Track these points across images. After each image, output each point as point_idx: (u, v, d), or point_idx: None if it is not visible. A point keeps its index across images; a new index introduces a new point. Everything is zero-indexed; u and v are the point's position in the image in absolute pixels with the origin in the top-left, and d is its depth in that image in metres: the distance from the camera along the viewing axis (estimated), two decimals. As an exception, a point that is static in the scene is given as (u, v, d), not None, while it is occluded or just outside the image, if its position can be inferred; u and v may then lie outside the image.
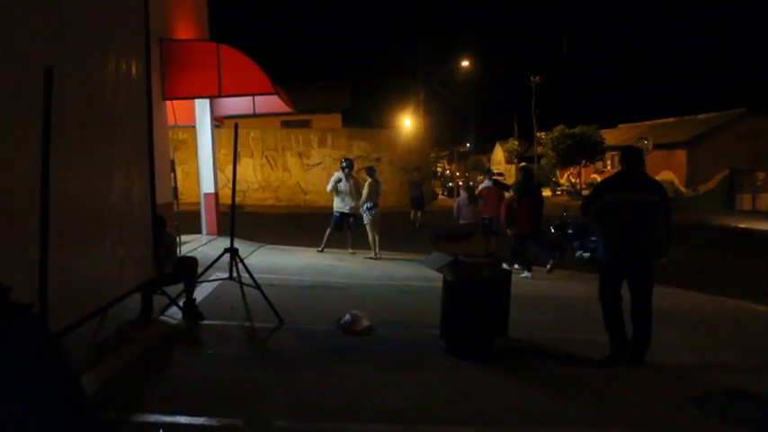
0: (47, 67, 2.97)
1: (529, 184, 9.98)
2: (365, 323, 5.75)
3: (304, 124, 28.01)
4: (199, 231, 11.37)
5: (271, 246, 11.72)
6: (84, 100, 3.95)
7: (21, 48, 3.17)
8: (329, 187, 11.31)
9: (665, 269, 5.42)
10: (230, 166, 6.46)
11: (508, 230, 9.86)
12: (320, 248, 11.26)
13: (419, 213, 18.74)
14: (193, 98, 10.74)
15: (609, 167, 37.73)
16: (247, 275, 6.21)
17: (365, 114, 37.89)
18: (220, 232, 11.22)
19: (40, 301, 2.98)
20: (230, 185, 6.53)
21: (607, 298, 5.39)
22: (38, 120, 2.96)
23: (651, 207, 5.15)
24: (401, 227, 15.51)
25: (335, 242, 11.43)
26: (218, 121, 12.44)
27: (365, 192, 10.99)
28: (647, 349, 5.21)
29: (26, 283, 3.00)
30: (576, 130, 37.42)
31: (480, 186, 12.26)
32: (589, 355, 5.43)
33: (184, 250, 8.96)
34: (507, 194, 10.70)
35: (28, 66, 3.14)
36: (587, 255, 10.95)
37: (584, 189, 35.51)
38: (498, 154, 62.31)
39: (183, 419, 3.58)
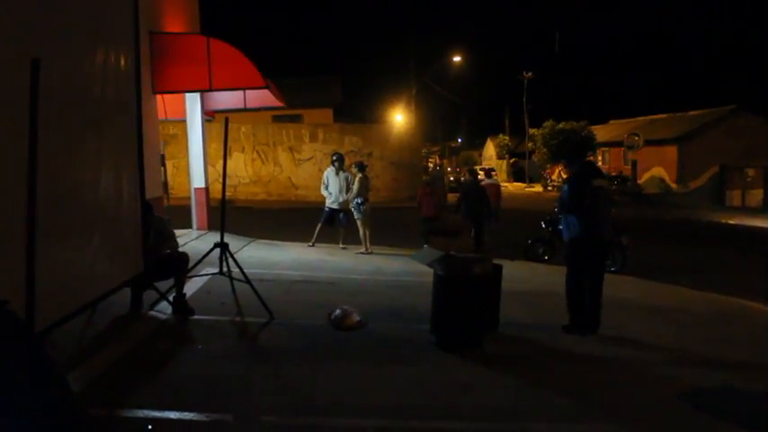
0: (33, 60, 2.93)
1: (474, 180, 12.72)
2: (356, 318, 5.74)
3: (295, 119, 27.87)
4: (189, 226, 11.31)
5: (261, 240, 11.68)
6: (72, 93, 3.90)
7: (6, 39, 3.12)
8: (323, 182, 11.33)
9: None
10: (221, 161, 6.43)
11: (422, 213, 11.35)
12: (311, 243, 11.25)
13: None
14: (184, 92, 10.67)
15: (600, 163, 37.83)
16: (238, 270, 6.19)
17: (357, 109, 37.87)
18: (211, 227, 11.16)
19: (27, 297, 2.95)
20: (221, 180, 6.49)
21: (579, 278, 5.94)
22: (24, 112, 2.92)
23: (610, 190, 6.33)
24: (392, 222, 15.49)
25: (326, 237, 11.42)
26: (208, 116, 12.36)
27: (355, 187, 10.98)
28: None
29: (12, 278, 2.97)
30: (562, 125, 37.49)
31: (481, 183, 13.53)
32: (580, 351, 5.46)
33: (174, 245, 8.90)
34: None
35: (14, 58, 3.09)
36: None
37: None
38: (489, 149, 62.42)
39: (172, 415, 3.56)
